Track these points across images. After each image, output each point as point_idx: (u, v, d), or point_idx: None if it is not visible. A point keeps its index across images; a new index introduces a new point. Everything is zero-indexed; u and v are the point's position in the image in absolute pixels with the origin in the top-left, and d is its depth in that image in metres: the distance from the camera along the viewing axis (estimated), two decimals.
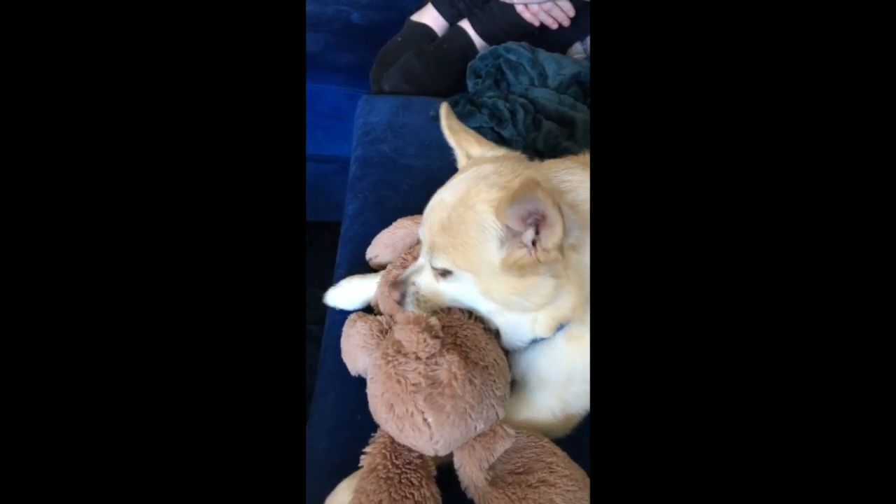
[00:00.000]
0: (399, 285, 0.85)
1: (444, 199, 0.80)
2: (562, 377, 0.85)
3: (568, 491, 0.74)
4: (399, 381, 0.73)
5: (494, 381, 0.76)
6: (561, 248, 0.71)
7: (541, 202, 0.68)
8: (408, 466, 0.74)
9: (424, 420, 0.72)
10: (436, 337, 0.73)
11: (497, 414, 0.77)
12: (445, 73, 1.59)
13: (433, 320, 0.75)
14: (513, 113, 1.39)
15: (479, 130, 1.45)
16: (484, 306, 0.81)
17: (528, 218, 0.71)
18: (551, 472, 0.75)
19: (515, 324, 0.82)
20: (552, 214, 0.68)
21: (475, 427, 0.74)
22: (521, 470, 0.76)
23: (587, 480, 0.77)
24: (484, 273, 0.76)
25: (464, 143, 0.92)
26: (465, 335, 0.77)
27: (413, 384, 0.72)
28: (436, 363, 0.73)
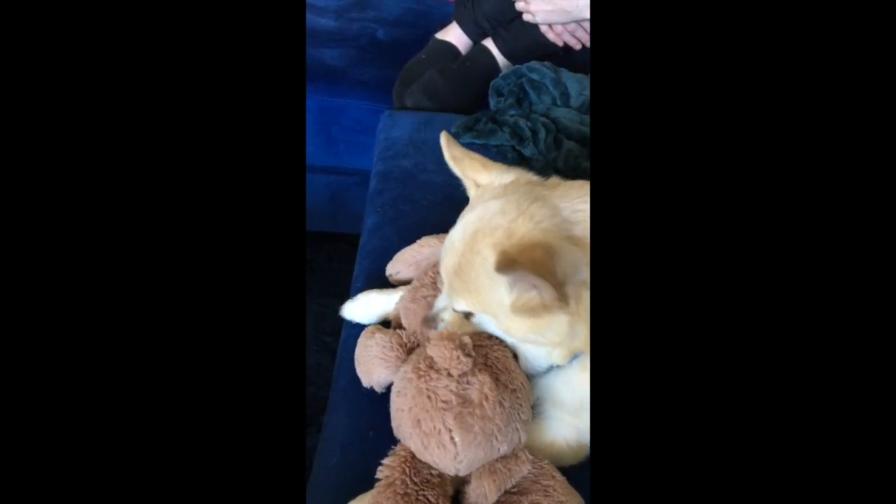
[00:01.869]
0: (430, 322, 0.85)
1: (454, 242, 0.79)
2: (576, 403, 0.85)
3: None
4: (429, 398, 0.72)
5: (521, 405, 0.76)
6: (562, 298, 0.70)
7: (522, 276, 0.68)
8: (426, 484, 0.74)
9: (451, 439, 0.71)
10: (468, 355, 0.73)
11: (520, 438, 0.76)
12: (468, 91, 1.60)
13: (466, 338, 0.74)
14: (534, 132, 1.39)
15: (500, 149, 1.46)
16: (508, 340, 0.81)
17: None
18: (546, 495, 0.74)
19: (534, 353, 0.82)
20: (538, 283, 0.67)
21: (499, 449, 0.74)
22: (516, 490, 0.75)
23: None
24: (501, 315, 0.76)
25: (469, 172, 0.89)
26: (495, 357, 0.77)
27: (444, 401, 0.72)
28: (468, 382, 0.72)
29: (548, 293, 0.69)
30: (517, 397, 0.76)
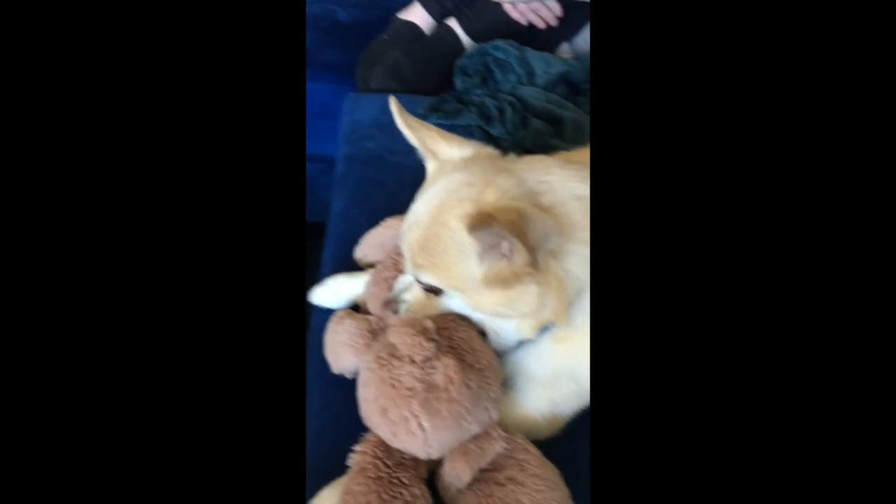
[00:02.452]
0: (391, 304, 0.83)
1: (418, 216, 0.77)
2: (549, 376, 0.85)
3: (537, 491, 0.72)
4: (393, 386, 0.71)
5: (489, 383, 0.75)
6: (534, 264, 0.69)
7: (498, 234, 0.66)
8: (399, 467, 0.73)
9: (420, 425, 0.70)
10: (431, 340, 0.72)
11: (491, 416, 0.76)
12: (433, 71, 1.58)
13: (428, 323, 0.73)
14: (501, 111, 1.38)
15: (468, 129, 1.44)
16: (476, 316, 0.80)
17: (497, 240, 0.69)
18: (521, 469, 0.74)
19: (503, 328, 0.81)
20: (514, 242, 0.66)
21: (470, 430, 0.73)
22: (490, 467, 0.75)
23: (558, 480, 0.76)
24: (470, 289, 0.75)
25: (427, 141, 0.86)
26: (460, 337, 0.76)
27: (408, 388, 0.70)
28: (432, 367, 0.71)
29: (521, 257, 0.68)
30: (485, 376, 0.75)
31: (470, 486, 0.74)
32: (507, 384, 0.87)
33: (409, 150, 1.35)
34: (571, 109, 1.40)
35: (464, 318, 0.80)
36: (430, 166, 0.87)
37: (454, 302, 0.79)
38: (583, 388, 0.85)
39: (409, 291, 0.82)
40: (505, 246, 0.70)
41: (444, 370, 0.70)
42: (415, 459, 0.74)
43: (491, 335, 0.82)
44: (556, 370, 0.84)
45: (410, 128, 0.87)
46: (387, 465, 0.72)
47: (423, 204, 0.78)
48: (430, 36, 1.66)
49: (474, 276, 0.73)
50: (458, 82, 1.51)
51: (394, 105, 0.88)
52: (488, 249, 0.71)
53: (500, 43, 1.49)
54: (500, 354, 0.84)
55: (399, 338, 0.72)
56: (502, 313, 0.77)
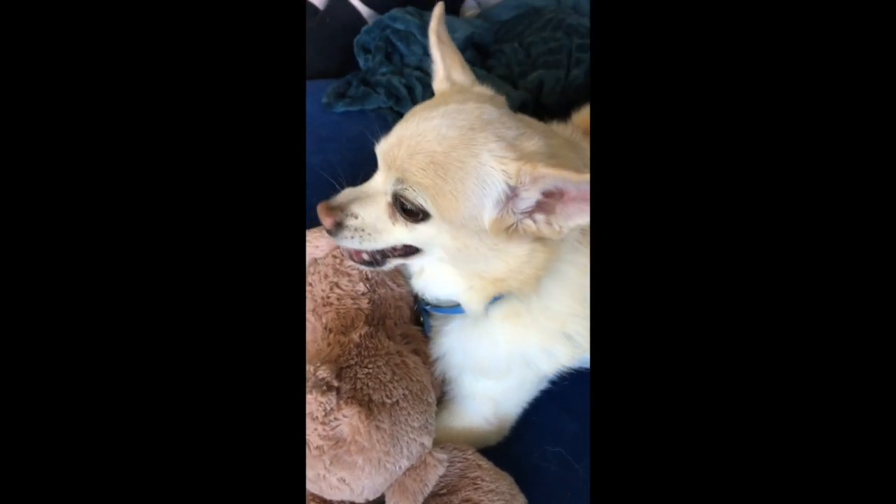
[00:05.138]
0: (334, 211, 0.73)
1: (437, 127, 0.70)
2: (501, 364, 0.82)
3: None
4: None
5: (409, 413, 0.72)
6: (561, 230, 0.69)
7: (586, 191, 0.64)
8: None
9: (340, 479, 0.67)
10: (329, 390, 0.67)
11: (422, 444, 0.73)
12: (333, 51, 1.47)
13: (322, 372, 0.69)
14: (410, 89, 1.31)
15: (378, 112, 1.36)
16: (437, 255, 0.75)
17: (550, 193, 0.68)
18: (476, 488, 0.73)
19: (447, 280, 0.77)
20: (588, 205, 0.65)
21: (399, 466, 0.71)
22: (444, 491, 0.74)
23: (515, 490, 0.76)
24: (466, 227, 0.70)
25: (448, 60, 0.83)
26: (366, 373, 0.72)
27: (316, 448, 0.67)
28: (335, 419, 0.68)
29: (560, 221, 0.68)
30: (400, 409, 0.72)
31: None
32: (443, 395, 0.85)
33: (318, 148, 1.27)
34: (482, 75, 1.33)
35: (371, 348, 0.75)
36: (440, 85, 0.83)
37: (435, 237, 0.72)
38: (534, 371, 0.84)
39: (364, 205, 0.74)
40: (525, 203, 0.69)
41: (348, 420, 0.67)
42: None
43: (428, 288, 0.79)
44: (509, 357, 0.82)
45: (439, 40, 0.84)
46: None
47: (446, 119, 0.71)
48: (325, 11, 1.54)
49: (480, 217, 0.69)
50: (362, 61, 1.41)
51: (438, 10, 0.84)
52: (510, 199, 0.69)
53: (398, 12, 1.39)
54: (438, 337, 0.81)
55: None
56: (483, 259, 0.72)
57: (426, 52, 1.40)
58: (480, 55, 1.40)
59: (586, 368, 0.88)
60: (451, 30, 1.40)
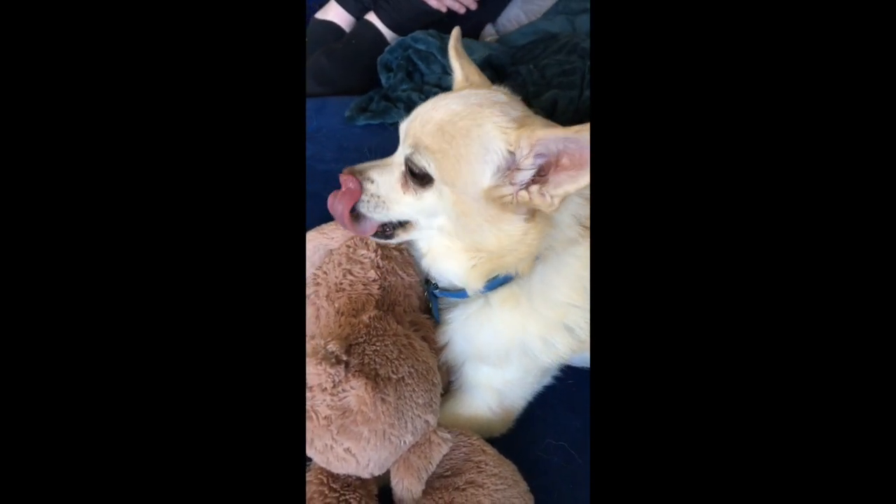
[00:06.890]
0: (356, 173, 0.81)
1: (448, 103, 0.78)
2: (500, 351, 0.84)
3: (496, 490, 0.73)
4: (311, 418, 0.71)
5: (413, 390, 0.74)
6: (556, 205, 0.72)
7: (586, 146, 0.67)
8: (347, 488, 0.72)
9: (346, 450, 0.69)
10: (338, 363, 0.70)
11: (427, 421, 0.75)
12: (357, 70, 1.55)
13: (332, 346, 0.72)
14: None
15: (398, 126, 1.42)
16: (444, 224, 0.79)
17: (546, 157, 0.71)
18: (479, 471, 0.74)
19: (451, 256, 0.80)
20: (587, 169, 0.68)
21: (404, 441, 0.72)
22: (449, 473, 0.74)
23: (517, 476, 0.77)
24: (468, 193, 0.74)
25: (466, 67, 0.91)
26: (373, 350, 0.75)
27: (324, 418, 0.70)
28: (343, 391, 0.70)
29: (586, 180, 0.69)
30: (405, 385, 0.74)
31: (429, 493, 0.74)
32: (450, 384, 0.86)
33: (340, 157, 1.33)
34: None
35: (381, 324, 0.78)
36: (459, 87, 0.90)
37: (439, 202, 0.77)
38: (534, 361, 0.85)
39: (383, 172, 0.81)
40: (523, 175, 0.72)
41: (355, 392, 0.69)
42: (361, 479, 0.73)
43: (435, 271, 0.82)
44: (508, 345, 0.83)
45: (457, 53, 0.92)
46: (334, 490, 0.71)
47: (458, 98, 0.78)
48: (351, 33, 1.63)
49: (480, 184, 0.73)
50: (384, 79, 1.48)
51: (456, 32, 0.94)
52: (508, 168, 0.72)
53: (420, 34, 1.46)
54: (444, 325, 0.82)
55: (306, 369, 0.70)
56: (480, 231, 0.76)
57: (445, 72, 1.47)
58: (497, 76, 1.46)
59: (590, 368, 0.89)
60: (470, 51, 1.46)
